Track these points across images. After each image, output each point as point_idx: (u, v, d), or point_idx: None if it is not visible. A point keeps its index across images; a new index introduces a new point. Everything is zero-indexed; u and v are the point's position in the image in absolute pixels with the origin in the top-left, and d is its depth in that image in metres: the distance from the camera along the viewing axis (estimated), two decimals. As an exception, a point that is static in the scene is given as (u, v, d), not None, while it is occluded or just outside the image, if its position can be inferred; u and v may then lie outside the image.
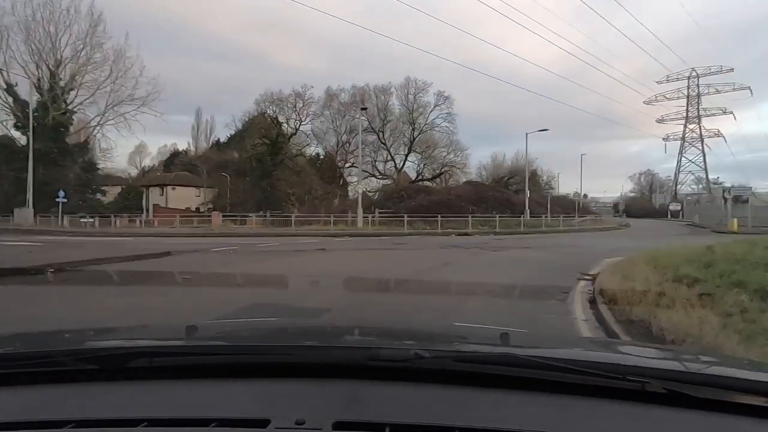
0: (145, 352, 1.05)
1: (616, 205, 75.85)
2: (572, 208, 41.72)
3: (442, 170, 49.58)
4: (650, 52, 78.28)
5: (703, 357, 1.51)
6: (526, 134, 32.49)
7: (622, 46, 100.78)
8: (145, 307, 5.64)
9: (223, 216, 31.14)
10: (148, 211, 40.80)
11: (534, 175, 58.14)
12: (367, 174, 50.06)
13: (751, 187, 30.26)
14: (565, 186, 79.56)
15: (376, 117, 46.46)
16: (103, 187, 40.64)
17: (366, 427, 0.77)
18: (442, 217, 24.46)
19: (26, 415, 0.85)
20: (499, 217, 26.48)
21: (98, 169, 37.84)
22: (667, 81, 74.62)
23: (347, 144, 44.85)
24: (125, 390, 0.96)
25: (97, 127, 36.25)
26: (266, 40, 77.67)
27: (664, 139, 77.48)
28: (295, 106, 39.82)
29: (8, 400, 0.93)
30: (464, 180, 45.61)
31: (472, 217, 25.44)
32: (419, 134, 48.77)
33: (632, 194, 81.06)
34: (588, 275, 9.70)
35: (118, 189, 44.35)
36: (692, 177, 75.58)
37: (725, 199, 37.38)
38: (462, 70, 78.91)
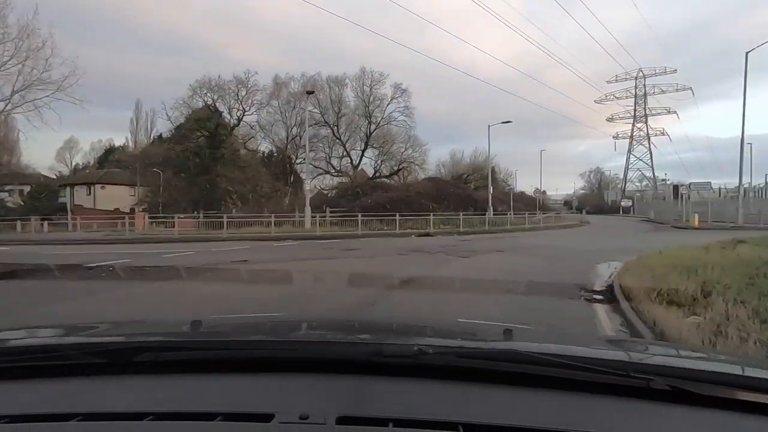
0: (151, 347, 1.05)
1: (567, 202, 76.80)
2: (533, 205, 40.32)
3: (401, 166, 46.86)
4: (601, 54, 79.44)
5: (708, 355, 1.49)
6: (489, 126, 30.30)
7: (574, 48, 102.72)
8: None
9: (152, 217, 26.75)
10: (72, 212, 35.38)
11: (492, 172, 56.64)
12: (322, 171, 46.57)
13: (710, 182, 29.43)
14: (520, 184, 79.62)
15: (330, 109, 42.98)
16: (14, 186, 34.78)
17: (370, 422, 0.77)
18: (400, 215, 21.52)
19: (35, 407, 0.85)
20: (463, 215, 23.90)
21: (-1, 164, 32.05)
22: (617, 81, 76.00)
23: (298, 137, 40.92)
24: (132, 384, 0.95)
25: (1, 116, 30.47)
26: (214, 31, 71.98)
27: (614, 137, 79.00)
28: (237, 95, 35.25)
29: (17, 393, 0.93)
30: (423, 177, 43.05)
31: (434, 215, 22.66)
32: (376, 128, 45.77)
33: (583, 191, 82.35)
34: (596, 293, 7.01)
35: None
36: (639, 174, 77.56)
37: (681, 195, 37.14)
38: (418, 70, 76.93)
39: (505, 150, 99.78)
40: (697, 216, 27.75)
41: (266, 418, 0.77)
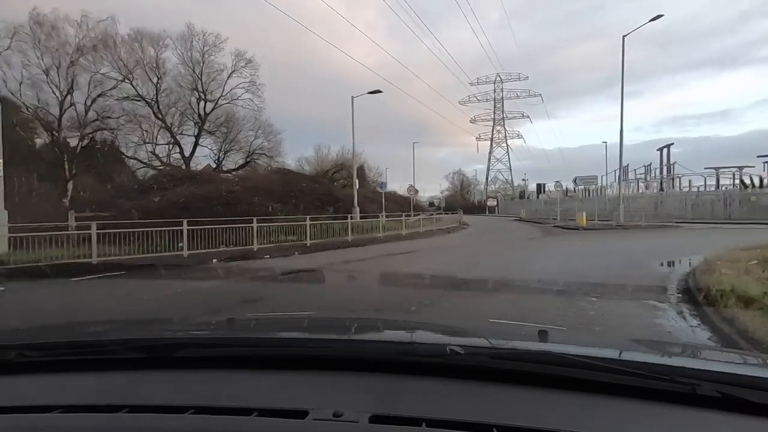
0: (191, 343, 1.07)
1: (432, 203, 75.41)
2: (407, 205, 34.24)
3: (249, 159, 36.56)
4: (469, 60, 79.59)
5: (758, 359, 1.35)
6: (353, 98, 22.38)
7: (443, 54, 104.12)
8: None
9: None
10: None
11: (362, 169, 50.05)
12: (142, 164, 33.69)
13: (597, 176, 26.10)
14: (391, 186, 76.25)
15: (143, 76, 30.57)
16: None
17: (402, 422, 0.75)
18: (190, 225, 11.69)
19: (86, 399, 0.87)
20: (311, 219, 15.20)
21: None
22: (478, 83, 76.53)
23: (80, 109, 27.50)
24: (173, 378, 0.97)
25: None
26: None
27: (476, 138, 79.83)
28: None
29: (69, 384, 0.96)
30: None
31: (259, 222, 13.37)
32: (213, 108, 34.67)
33: (448, 192, 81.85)
34: None
35: None
36: (497, 176, 79.46)
37: (573, 190, 34.64)
38: (282, 70, 67.05)
39: (374, 155, 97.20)
40: (584, 214, 23.91)
41: (300, 414, 0.77)
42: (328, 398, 0.84)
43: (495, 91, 76.82)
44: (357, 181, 22.77)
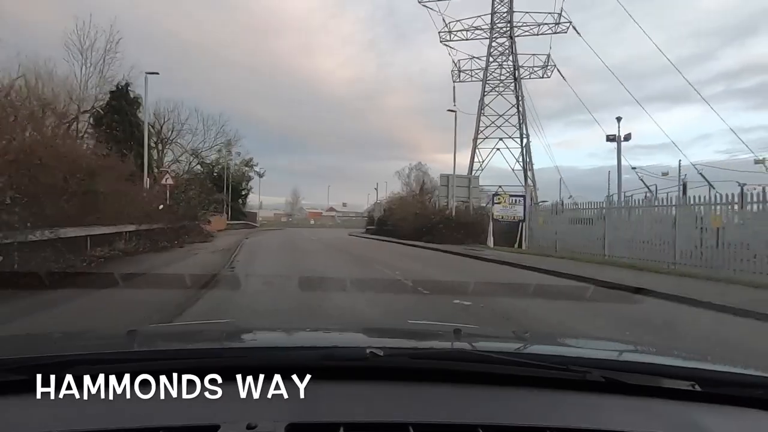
0: (84, 360, 0.98)
1: (371, 215, 44.03)
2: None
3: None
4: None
5: (638, 347, 1.57)
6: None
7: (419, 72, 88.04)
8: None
9: None
10: None
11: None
12: None
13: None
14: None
15: None
16: None
17: (320, 428, 0.77)
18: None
19: None
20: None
21: None
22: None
23: None
24: (61, 401, 0.86)
25: None
26: None
27: (452, 56, 37.37)
28: None
29: None
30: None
31: None
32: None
33: (402, 195, 40.56)
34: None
35: None
36: (504, 151, 38.06)
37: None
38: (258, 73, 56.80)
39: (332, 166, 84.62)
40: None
41: (212, 430, 0.74)
42: (242, 410, 0.81)
43: (493, 15, 37.15)
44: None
